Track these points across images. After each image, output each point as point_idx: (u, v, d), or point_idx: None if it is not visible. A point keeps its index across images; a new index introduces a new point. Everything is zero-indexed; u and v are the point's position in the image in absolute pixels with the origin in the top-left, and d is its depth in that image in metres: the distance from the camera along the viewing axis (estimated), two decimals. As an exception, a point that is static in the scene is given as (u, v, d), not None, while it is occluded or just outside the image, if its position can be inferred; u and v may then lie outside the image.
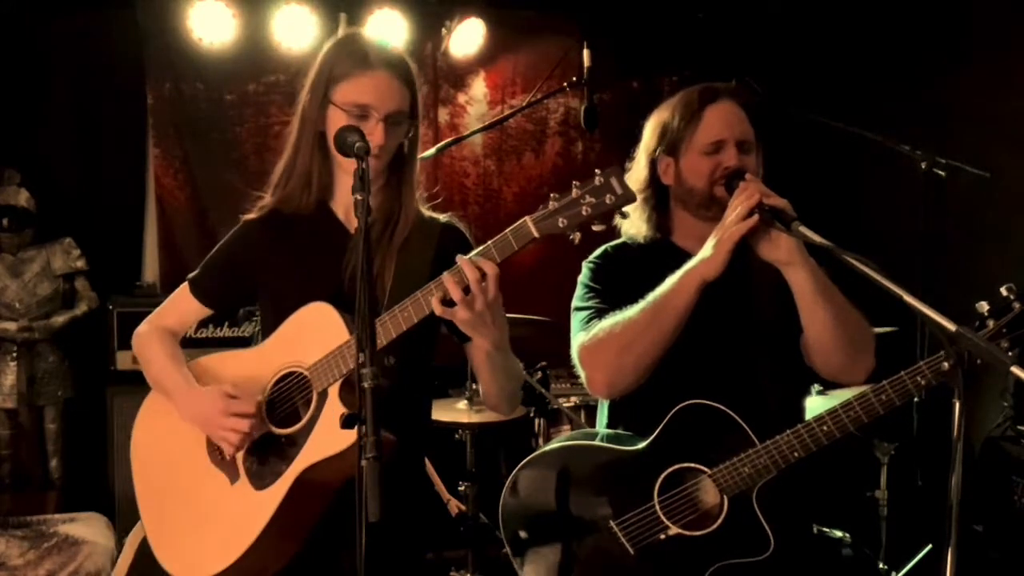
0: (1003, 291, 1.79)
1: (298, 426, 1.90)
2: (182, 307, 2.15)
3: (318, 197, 2.02)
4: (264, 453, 1.93)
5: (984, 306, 1.79)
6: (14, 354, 4.63)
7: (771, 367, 2.08)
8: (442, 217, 2.08)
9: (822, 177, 4.83)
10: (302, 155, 2.00)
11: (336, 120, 1.92)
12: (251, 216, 2.09)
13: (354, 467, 1.48)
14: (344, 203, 2.02)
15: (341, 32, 2.08)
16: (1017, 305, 1.77)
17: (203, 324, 4.19)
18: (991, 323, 1.78)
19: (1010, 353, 1.73)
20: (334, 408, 1.83)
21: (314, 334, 1.89)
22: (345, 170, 1.98)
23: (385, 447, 1.47)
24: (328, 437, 1.80)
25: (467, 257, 1.72)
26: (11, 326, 4.62)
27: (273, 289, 2.05)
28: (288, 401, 1.95)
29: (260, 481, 1.91)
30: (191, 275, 2.15)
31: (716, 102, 2.13)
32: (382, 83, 1.92)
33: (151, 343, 2.12)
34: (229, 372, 2.04)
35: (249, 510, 1.89)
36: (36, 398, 4.65)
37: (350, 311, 1.85)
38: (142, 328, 2.16)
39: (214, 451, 1.99)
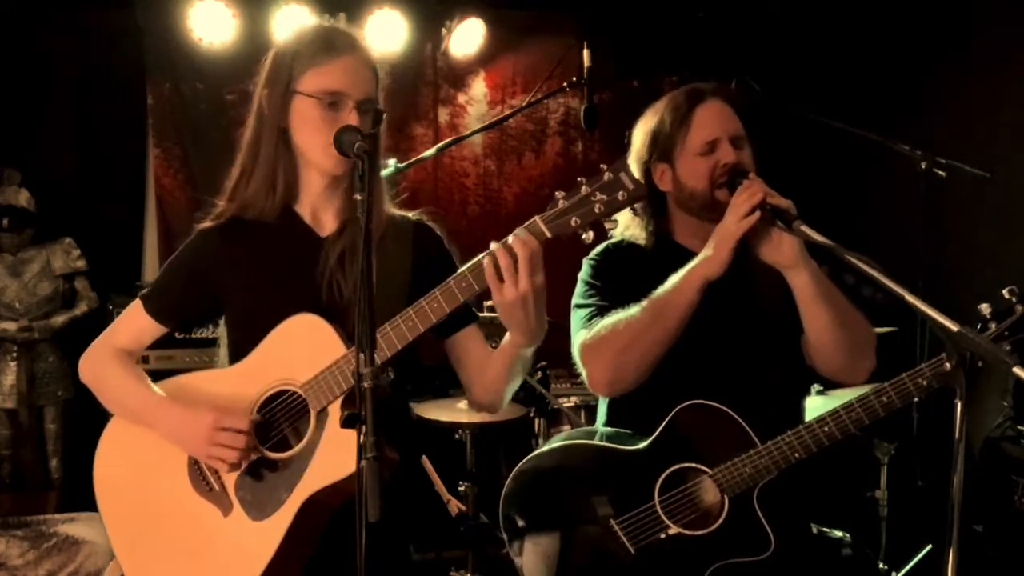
0: (1005, 293, 1.79)
1: (297, 448, 1.79)
2: (136, 326, 1.98)
3: (282, 200, 1.88)
4: (258, 480, 1.81)
5: (986, 308, 1.79)
6: (14, 354, 4.63)
7: (773, 367, 2.08)
8: (412, 215, 1.98)
9: (822, 177, 4.83)
10: (264, 155, 1.86)
11: (304, 110, 1.80)
12: (206, 225, 1.93)
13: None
14: (311, 205, 1.91)
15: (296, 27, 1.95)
16: (1019, 308, 1.77)
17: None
18: (993, 326, 1.78)
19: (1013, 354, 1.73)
20: (339, 428, 1.70)
21: (305, 349, 1.78)
22: (313, 168, 1.86)
23: (389, 466, 1.43)
24: (336, 459, 1.70)
25: (517, 233, 1.65)
26: (11, 326, 4.62)
27: (240, 304, 1.91)
28: (280, 422, 1.84)
29: (259, 511, 1.79)
30: (144, 292, 1.99)
31: (704, 102, 2.12)
32: (352, 67, 1.81)
33: (107, 364, 1.95)
34: (208, 393, 1.87)
35: (250, 543, 1.78)
36: (36, 398, 4.65)
37: (331, 321, 1.78)
38: (92, 351, 1.98)
39: (200, 482, 1.86)
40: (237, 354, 1.90)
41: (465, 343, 1.93)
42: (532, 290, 1.65)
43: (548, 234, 1.65)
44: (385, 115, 1.84)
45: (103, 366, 1.96)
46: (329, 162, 1.81)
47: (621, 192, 1.63)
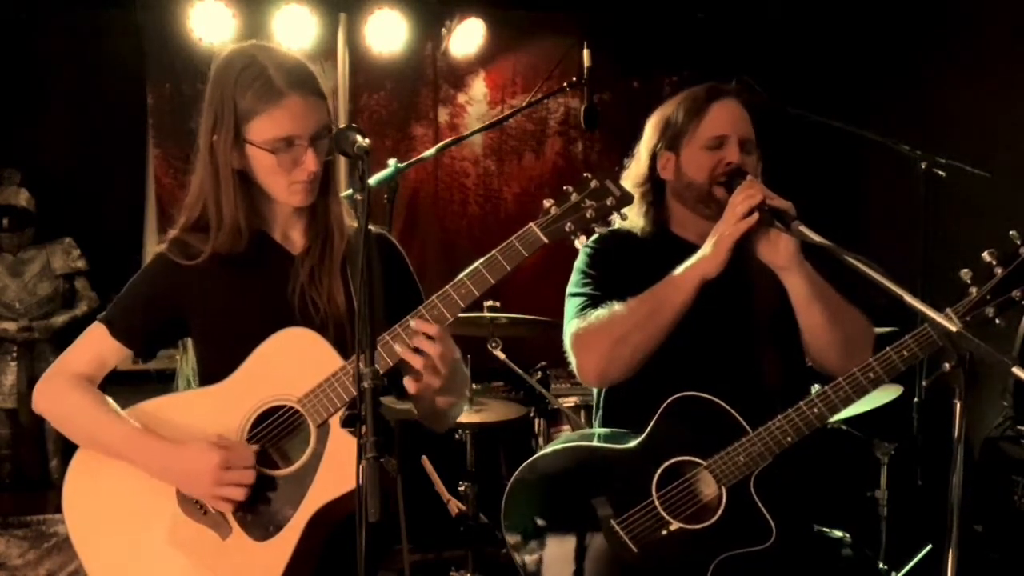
0: (985, 256, 1.76)
1: (299, 464, 1.76)
2: (99, 350, 1.89)
3: (251, 231, 1.86)
4: (256, 500, 1.76)
5: (967, 274, 1.77)
6: (14, 354, 4.64)
7: (768, 365, 2.09)
8: (372, 228, 1.93)
9: (822, 177, 4.83)
10: (226, 204, 1.82)
11: (259, 158, 1.79)
12: (176, 258, 1.87)
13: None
14: (281, 227, 1.91)
15: (231, 51, 1.85)
16: (999, 270, 1.74)
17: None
18: (974, 290, 1.75)
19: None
20: (342, 440, 1.71)
21: (298, 363, 1.76)
22: (278, 192, 1.84)
23: (390, 481, 1.44)
24: (343, 471, 1.66)
25: (412, 326, 1.71)
26: (11, 326, 4.62)
27: (211, 326, 1.88)
28: (274, 439, 1.80)
29: (261, 531, 1.75)
30: (105, 316, 1.90)
31: (721, 99, 2.15)
32: (298, 107, 1.76)
33: (70, 394, 1.85)
34: (189, 420, 1.81)
35: (255, 564, 1.74)
36: (36, 398, 4.65)
37: None
38: (48, 381, 1.88)
39: (191, 506, 1.79)
40: (208, 376, 1.86)
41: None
42: (449, 374, 1.74)
43: (546, 240, 1.72)
44: (334, 132, 1.79)
45: (65, 396, 1.86)
46: (295, 199, 1.84)
47: (610, 198, 1.73)
